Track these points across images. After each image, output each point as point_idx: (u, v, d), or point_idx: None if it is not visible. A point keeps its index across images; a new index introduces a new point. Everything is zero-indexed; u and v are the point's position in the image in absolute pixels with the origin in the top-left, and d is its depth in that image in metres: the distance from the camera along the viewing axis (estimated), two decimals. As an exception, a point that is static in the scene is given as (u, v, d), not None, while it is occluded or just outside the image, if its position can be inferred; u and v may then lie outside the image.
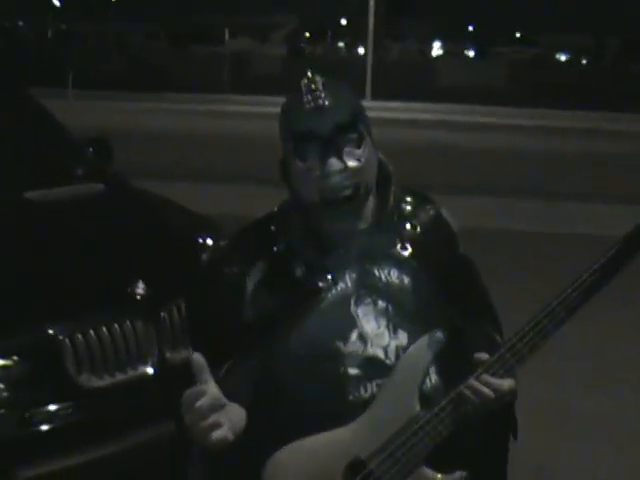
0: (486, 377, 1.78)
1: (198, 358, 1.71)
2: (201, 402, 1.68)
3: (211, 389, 1.70)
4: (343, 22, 78.38)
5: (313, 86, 1.85)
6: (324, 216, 1.90)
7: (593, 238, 9.21)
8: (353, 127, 1.87)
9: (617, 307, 5.86)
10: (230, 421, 1.72)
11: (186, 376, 1.93)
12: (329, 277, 1.88)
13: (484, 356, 1.81)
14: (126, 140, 15.81)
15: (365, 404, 1.81)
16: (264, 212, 2.06)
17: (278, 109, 1.94)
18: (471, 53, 67.36)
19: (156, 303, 3.44)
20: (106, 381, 3.25)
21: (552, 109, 28.08)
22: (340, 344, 1.84)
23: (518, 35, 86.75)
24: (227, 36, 38.33)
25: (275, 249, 1.93)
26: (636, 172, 14.59)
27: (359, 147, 1.88)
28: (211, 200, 10.44)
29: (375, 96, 30.70)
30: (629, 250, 1.79)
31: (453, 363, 1.88)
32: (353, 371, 1.83)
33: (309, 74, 1.89)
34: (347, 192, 1.85)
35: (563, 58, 67.45)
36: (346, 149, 1.86)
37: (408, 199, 2.03)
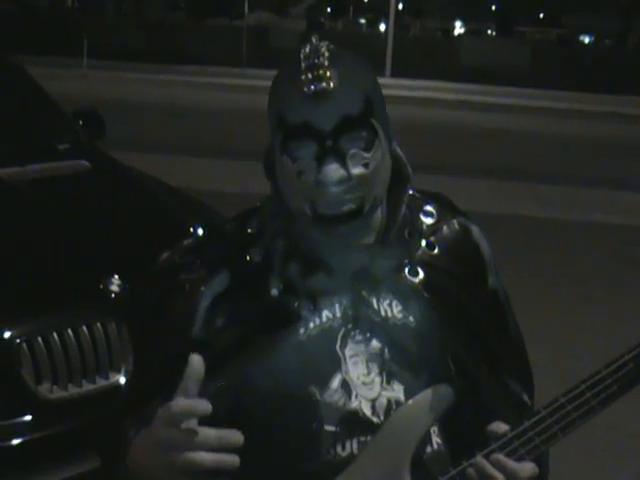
0: (499, 457, 1.33)
1: (198, 361, 1.21)
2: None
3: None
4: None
5: (316, 60, 1.34)
6: (315, 230, 1.43)
7: (611, 227, 8.84)
8: (364, 121, 1.37)
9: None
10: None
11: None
12: (312, 303, 1.43)
13: (502, 427, 1.36)
14: (137, 112, 15.49)
15: (341, 465, 1.37)
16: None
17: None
18: (494, 32, 66.49)
19: (132, 301, 2.98)
20: (70, 392, 2.83)
21: (575, 91, 27.55)
22: (315, 391, 1.39)
23: (541, 15, 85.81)
24: (246, 9, 37.66)
25: (248, 258, 1.47)
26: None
27: (369, 149, 1.38)
28: (218, 176, 10.04)
29: (395, 74, 30.26)
30: None
31: (463, 429, 1.43)
32: (329, 428, 1.39)
33: (313, 40, 1.37)
34: (348, 207, 1.38)
35: (587, 40, 66.56)
36: (351, 151, 1.36)
37: (427, 208, 1.54)
